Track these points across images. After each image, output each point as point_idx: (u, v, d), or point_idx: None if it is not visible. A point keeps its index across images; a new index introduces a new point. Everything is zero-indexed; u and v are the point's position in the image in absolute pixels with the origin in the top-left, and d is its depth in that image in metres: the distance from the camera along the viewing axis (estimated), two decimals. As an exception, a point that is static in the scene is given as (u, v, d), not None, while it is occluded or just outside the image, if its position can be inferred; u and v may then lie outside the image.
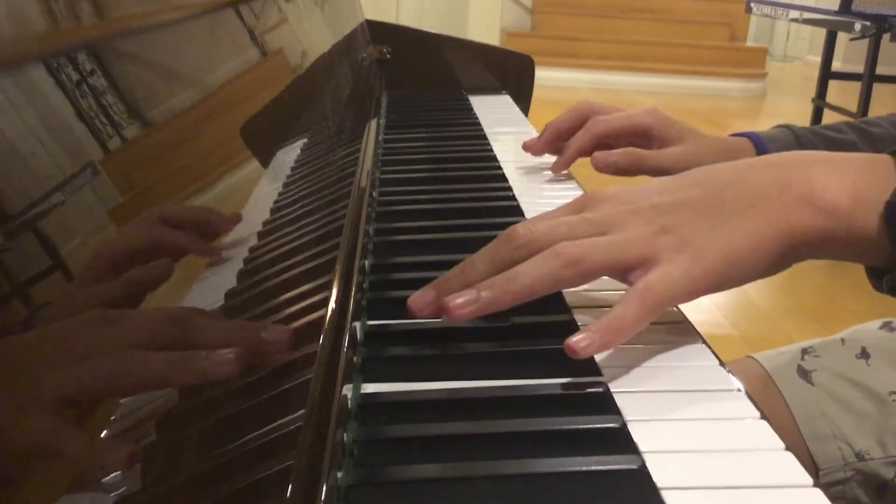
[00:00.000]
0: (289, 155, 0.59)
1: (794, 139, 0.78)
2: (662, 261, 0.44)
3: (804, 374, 0.70)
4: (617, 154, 0.74)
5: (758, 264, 0.45)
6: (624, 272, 0.45)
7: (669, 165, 0.74)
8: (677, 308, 0.52)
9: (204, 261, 0.40)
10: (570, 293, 0.53)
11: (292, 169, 0.58)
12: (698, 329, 0.50)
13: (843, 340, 0.72)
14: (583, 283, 0.46)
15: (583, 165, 0.82)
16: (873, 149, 0.79)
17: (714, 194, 0.46)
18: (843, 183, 0.45)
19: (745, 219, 0.45)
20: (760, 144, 0.77)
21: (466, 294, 0.44)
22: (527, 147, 0.85)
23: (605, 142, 0.79)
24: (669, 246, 0.44)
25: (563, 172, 0.82)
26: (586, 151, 0.79)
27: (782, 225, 0.45)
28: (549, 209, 0.70)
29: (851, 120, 0.83)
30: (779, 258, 0.45)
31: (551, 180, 0.82)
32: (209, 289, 0.38)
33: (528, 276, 0.44)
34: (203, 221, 0.41)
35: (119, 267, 0.32)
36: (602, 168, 0.75)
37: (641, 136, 0.77)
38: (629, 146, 0.76)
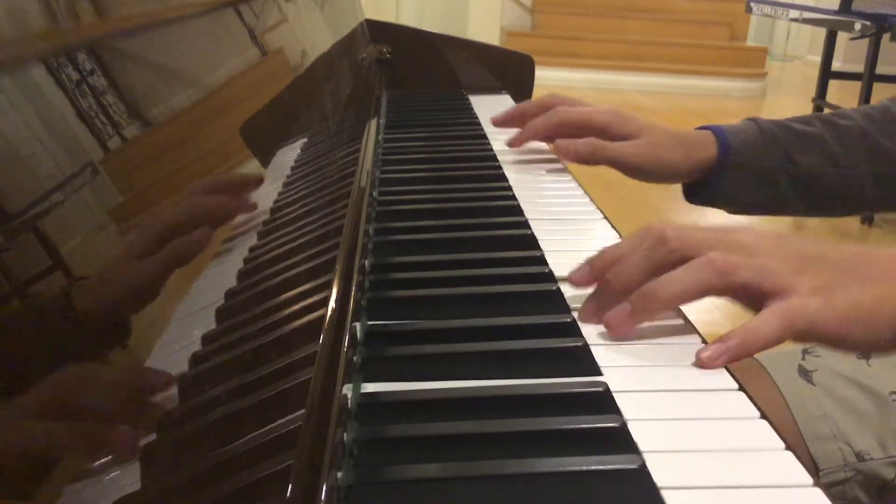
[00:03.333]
0: (289, 155, 0.59)
1: (757, 131, 0.81)
2: (795, 297, 0.46)
3: (805, 373, 0.69)
4: (578, 143, 0.80)
5: (877, 330, 0.47)
6: (761, 297, 0.47)
7: (628, 155, 0.79)
8: (677, 308, 0.52)
9: (204, 260, 0.40)
10: (570, 293, 0.53)
11: (292, 169, 0.58)
12: (698, 329, 0.50)
13: (844, 340, 0.72)
14: (726, 297, 0.48)
15: (583, 167, 0.83)
16: (841, 142, 0.80)
17: (850, 259, 0.49)
18: None
19: (872, 288, 0.47)
20: (724, 138, 0.80)
21: (621, 309, 0.47)
22: (495, 121, 0.94)
23: (565, 132, 0.83)
24: (807, 286, 0.46)
25: (566, 178, 0.83)
26: (541, 135, 0.86)
27: None
28: (550, 208, 0.70)
29: (822, 113, 0.84)
30: (894, 333, 0.47)
31: (551, 180, 0.82)
32: (209, 288, 0.38)
33: (681, 284, 0.47)
34: (232, 186, 0.43)
35: (163, 240, 0.33)
36: (564, 154, 0.81)
37: (599, 132, 0.81)
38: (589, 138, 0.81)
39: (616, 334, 0.48)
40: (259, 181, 0.48)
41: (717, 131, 0.80)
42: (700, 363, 0.45)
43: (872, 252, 0.50)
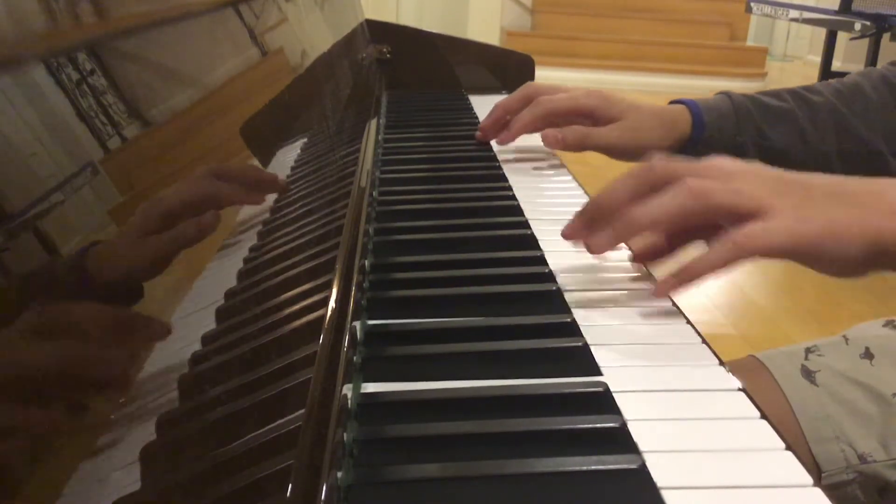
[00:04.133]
0: (289, 155, 0.59)
1: (731, 106, 0.82)
2: (772, 217, 0.49)
3: (808, 374, 0.69)
4: (564, 131, 0.81)
5: (851, 250, 0.49)
6: (737, 219, 0.50)
7: (612, 140, 0.81)
8: (677, 308, 0.52)
9: (205, 259, 0.40)
10: (571, 294, 0.53)
11: (292, 168, 0.58)
12: (698, 329, 0.50)
13: (846, 339, 0.72)
14: (705, 219, 0.51)
15: (581, 164, 0.82)
16: (811, 118, 0.82)
17: (825, 184, 0.52)
18: None
19: (847, 210, 0.50)
20: (696, 111, 0.82)
21: (605, 234, 0.52)
22: (481, 129, 0.92)
23: (551, 121, 0.84)
24: (781, 206, 0.49)
25: (566, 177, 0.83)
26: (530, 128, 0.86)
27: (874, 225, 0.49)
28: (550, 208, 0.70)
29: (792, 88, 0.86)
30: (866, 255, 0.50)
31: (551, 180, 0.82)
32: (209, 288, 0.38)
33: (659, 207, 0.50)
34: (252, 180, 0.45)
35: (171, 219, 0.34)
36: (552, 144, 0.82)
37: (585, 116, 0.83)
38: (574, 125, 0.82)
39: (595, 253, 0.53)
40: (283, 188, 0.48)
41: (692, 107, 0.82)
42: (657, 292, 0.51)
43: (846, 179, 0.53)
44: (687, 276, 0.50)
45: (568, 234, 0.56)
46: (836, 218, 0.49)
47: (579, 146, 0.82)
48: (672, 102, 0.85)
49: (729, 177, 0.51)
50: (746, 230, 0.49)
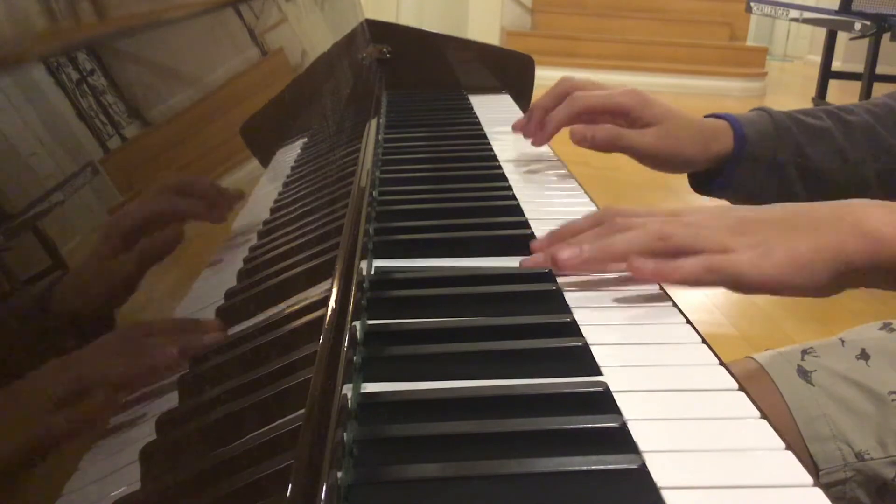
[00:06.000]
0: (289, 154, 0.59)
1: (771, 123, 0.80)
2: (735, 253, 0.51)
3: (804, 374, 0.69)
4: (595, 129, 0.78)
5: (814, 275, 0.51)
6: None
7: (646, 145, 0.78)
8: (678, 307, 0.52)
9: (204, 260, 0.40)
10: (570, 294, 0.54)
11: (292, 168, 0.58)
12: (698, 329, 0.50)
13: (842, 341, 0.72)
14: (669, 257, 0.53)
15: (583, 165, 0.82)
16: (848, 137, 0.79)
17: (787, 217, 0.53)
18: (890, 217, 0.51)
19: (809, 237, 0.52)
20: (737, 126, 0.79)
21: (572, 250, 0.55)
22: (517, 128, 0.87)
23: (585, 118, 0.81)
24: (744, 244, 0.52)
25: (562, 172, 0.82)
26: (565, 125, 0.82)
27: (836, 245, 0.51)
28: (550, 208, 0.70)
29: (827, 107, 0.84)
30: (834, 277, 0.51)
31: (551, 180, 0.82)
32: (209, 288, 0.38)
33: (626, 242, 0.53)
34: (210, 195, 0.43)
35: (132, 238, 0.33)
36: (579, 141, 0.78)
37: (620, 115, 0.80)
38: (608, 124, 0.79)
39: (561, 267, 0.55)
40: (238, 198, 0.47)
41: (733, 123, 0.79)
42: (633, 271, 0.53)
43: (807, 206, 0.55)
44: (660, 273, 0.52)
45: (536, 247, 0.59)
46: (794, 248, 0.51)
47: (609, 146, 0.78)
48: (708, 116, 0.82)
49: (689, 223, 0.54)
50: (716, 256, 0.51)
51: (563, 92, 0.83)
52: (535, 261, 0.58)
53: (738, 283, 0.51)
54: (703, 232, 0.53)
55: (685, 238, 0.53)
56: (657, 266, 0.52)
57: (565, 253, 0.55)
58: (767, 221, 0.53)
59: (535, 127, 0.85)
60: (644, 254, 0.53)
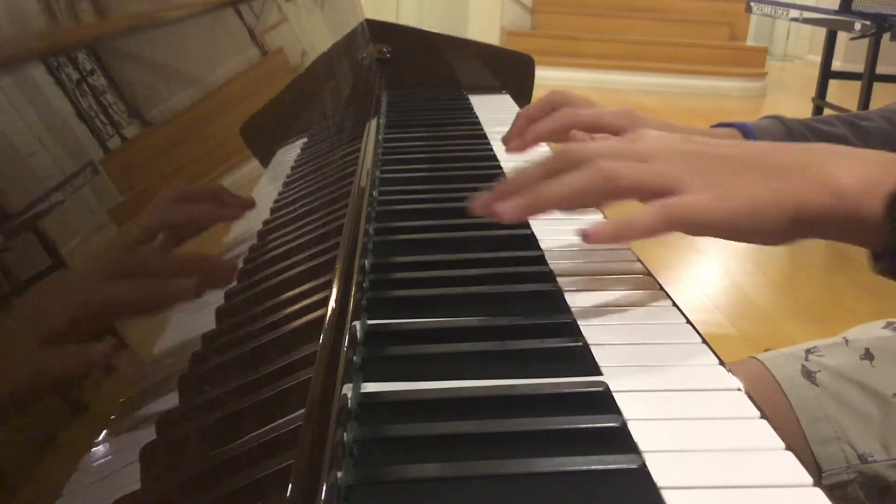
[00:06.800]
0: (289, 154, 0.59)
1: (785, 131, 0.78)
2: (689, 194, 0.49)
3: (808, 375, 0.69)
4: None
5: (771, 224, 0.49)
6: (651, 196, 0.49)
7: None
8: (678, 307, 0.52)
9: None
10: (570, 293, 0.53)
11: (292, 168, 0.58)
12: (698, 329, 0.50)
13: (846, 341, 0.72)
14: (615, 200, 0.51)
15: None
16: (864, 143, 0.78)
17: (748, 157, 0.50)
18: (855, 171, 0.49)
19: (769, 182, 0.49)
20: (750, 135, 0.77)
21: (512, 200, 0.50)
22: (504, 141, 0.83)
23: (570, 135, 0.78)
24: (698, 184, 0.49)
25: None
26: (544, 138, 0.79)
27: (798, 196, 0.48)
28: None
29: (842, 114, 0.83)
30: (789, 226, 0.49)
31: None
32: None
33: (567, 186, 0.50)
34: (218, 201, 0.43)
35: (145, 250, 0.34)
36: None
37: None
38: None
39: (504, 220, 0.51)
40: (250, 205, 0.47)
41: (745, 132, 0.77)
42: (583, 237, 0.49)
43: (771, 148, 0.52)
44: (618, 234, 0.50)
45: (476, 206, 0.53)
46: (753, 193, 0.49)
47: None
48: (718, 125, 0.80)
49: (644, 155, 0.51)
50: (669, 200, 0.48)
51: (550, 105, 0.81)
52: (476, 207, 0.53)
53: (692, 227, 0.49)
54: (655, 167, 0.50)
55: (635, 177, 0.50)
56: (612, 232, 0.49)
57: (503, 205, 0.51)
58: (728, 159, 0.50)
59: (515, 134, 0.81)
60: (589, 196, 0.50)
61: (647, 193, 0.50)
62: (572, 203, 0.51)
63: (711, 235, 0.50)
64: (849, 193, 0.48)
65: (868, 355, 0.69)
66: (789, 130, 0.78)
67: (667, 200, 0.48)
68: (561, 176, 0.50)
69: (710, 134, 0.78)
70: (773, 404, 0.67)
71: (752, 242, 0.51)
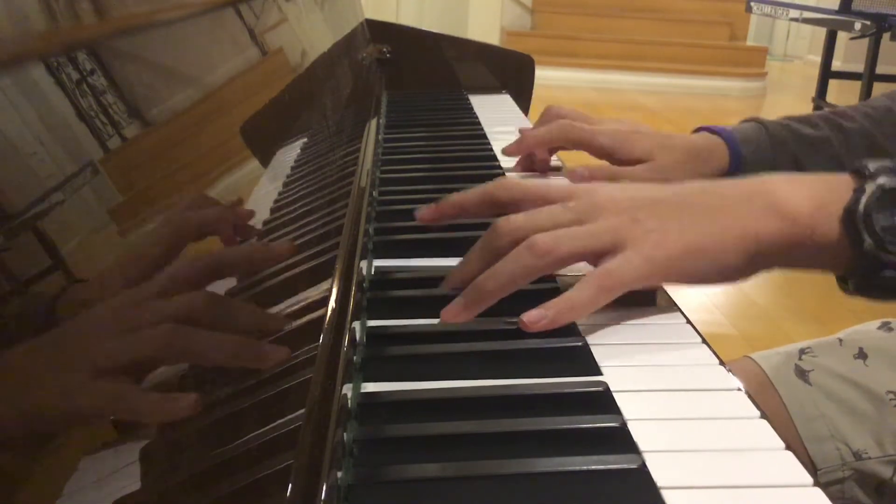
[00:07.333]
0: (289, 154, 0.59)
1: (766, 137, 0.78)
2: (629, 248, 0.47)
3: (801, 374, 0.70)
4: (592, 170, 0.75)
5: (722, 262, 0.48)
6: (595, 258, 0.48)
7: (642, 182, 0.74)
8: (678, 308, 0.52)
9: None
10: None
11: (292, 168, 0.58)
12: (698, 329, 0.50)
13: (840, 341, 0.72)
14: (559, 269, 0.49)
15: (582, 164, 0.82)
16: (847, 144, 0.79)
17: (688, 198, 0.50)
18: (804, 193, 0.49)
19: (712, 220, 0.48)
20: (733, 144, 0.77)
21: (455, 303, 0.48)
22: (507, 152, 0.85)
23: (565, 148, 0.80)
24: (637, 235, 0.48)
25: (562, 173, 0.82)
26: (537, 145, 0.81)
27: (747, 229, 0.48)
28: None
29: (827, 112, 0.82)
30: (745, 261, 0.48)
31: (551, 181, 0.82)
32: (209, 288, 0.38)
33: (505, 274, 0.48)
34: (225, 221, 0.44)
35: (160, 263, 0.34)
36: (577, 179, 0.76)
37: (604, 156, 0.78)
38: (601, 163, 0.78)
39: (452, 321, 0.48)
40: (250, 215, 0.47)
41: (728, 140, 0.77)
42: (522, 325, 0.46)
43: (714, 184, 0.52)
44: (558, 319, 0.47)
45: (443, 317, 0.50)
46: (702, 231, 0.48)
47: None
48: (699, 129, 0.80)
49: (584, 213, 0.49)
50: (603, 268, 0.47)
51: (549, 120, 0.82)
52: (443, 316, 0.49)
53: (635, 286, 0.48)
54: (594, 227, 0.48)
55: (572, 246, 0.48)
56: (550, 318, 0.46)
57: (448, 312, 0.48)
58: (668, 201, 0.49)
59: (514, 149, 0.83)
60: (530, 277, 0.48)
61: (589, 257, 0.49)
62: (516, 287, 0.48)
63: (663, 284, 0.49)
64: (800, 216, 0.48)
65: (862, 354, 0.69)
66: (770, 136, 0.78)
67: (599, 270, 0.47)
68: (500, 263, 0.48)
69: (692, 141, 0.79)
70: (766, 403, 0.67)
71: (713, 283, 0.49)
